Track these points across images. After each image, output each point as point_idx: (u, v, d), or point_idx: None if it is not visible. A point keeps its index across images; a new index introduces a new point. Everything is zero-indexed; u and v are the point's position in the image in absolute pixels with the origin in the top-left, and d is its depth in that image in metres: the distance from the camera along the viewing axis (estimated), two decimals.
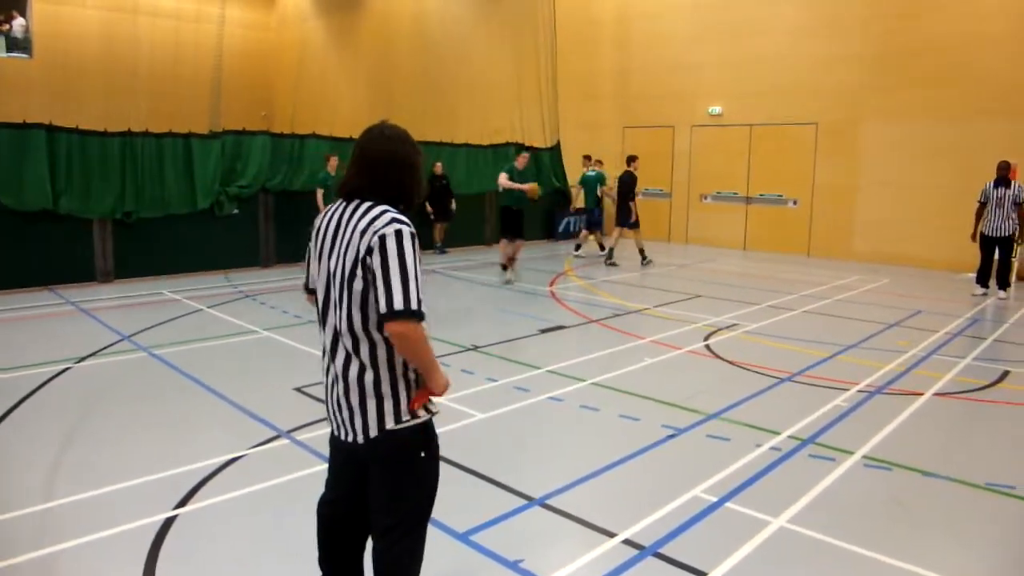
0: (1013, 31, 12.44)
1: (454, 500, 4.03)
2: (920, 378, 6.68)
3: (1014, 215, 10.49)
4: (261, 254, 12.68)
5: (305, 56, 16.50)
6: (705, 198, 17.00)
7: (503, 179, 11.17)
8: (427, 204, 14.41)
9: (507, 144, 16.96)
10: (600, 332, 8.46)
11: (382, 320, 2.33)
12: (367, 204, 2.45)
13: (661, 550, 3.63)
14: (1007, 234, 10.57)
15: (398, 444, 2.47)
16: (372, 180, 2.48)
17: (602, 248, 14.75)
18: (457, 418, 5.39)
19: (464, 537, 3.72)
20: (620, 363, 7.04)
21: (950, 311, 9.76)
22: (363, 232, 2.37)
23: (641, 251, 13.62)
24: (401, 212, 2.46)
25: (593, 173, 14.87)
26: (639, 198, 13.95)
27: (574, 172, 17.15)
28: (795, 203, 15.52)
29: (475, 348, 7.53)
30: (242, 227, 12.41)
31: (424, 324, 2.37)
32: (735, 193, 16.45)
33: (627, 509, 4.05)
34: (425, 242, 14.19)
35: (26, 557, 3.49)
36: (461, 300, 10.25)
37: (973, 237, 10.91)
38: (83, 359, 6.90)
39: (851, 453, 4.90)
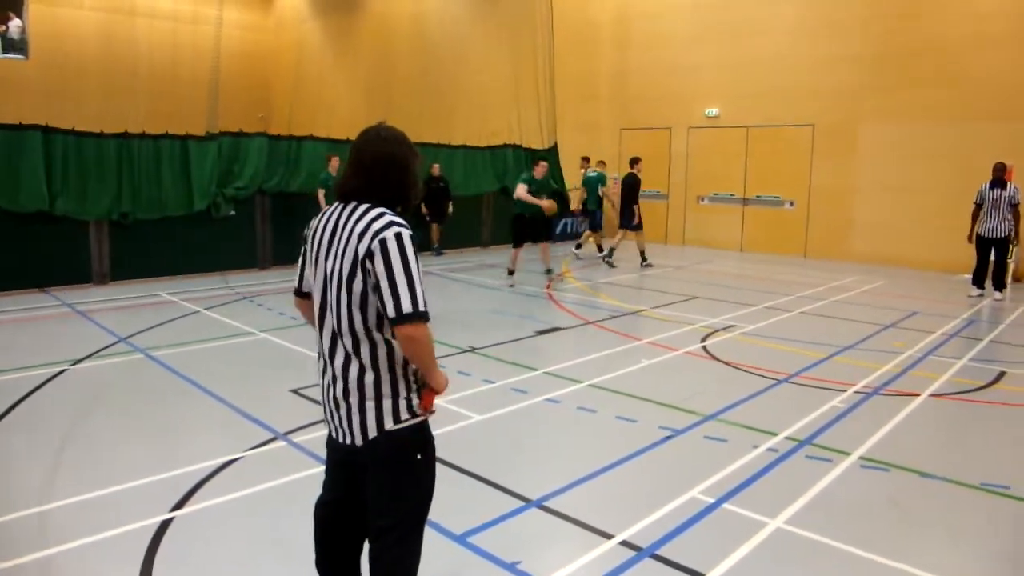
0: (1012, 33, 12.47)
1: (451, 502, 4.03)
2: (916, 379, 6.69)
3: (1010, 216, 10.52)
4: (258, 256, 12.67)
5: (303, 58, 16.50)
6: (702, 200, 17.02)
7: (522, 191, 10.92)
8: (423, 205, 14.41)
9: (504, 146, 16.97)
10: (597, 334, 8.46)
11: (392, 324, 2.34)
12: (364, 206, 2.45)
13: (659, 551, 3.63)
14: (1003, 235, 10.60)
15: (397, 445, 2.46)
16: (368, 182, 2.48)
17: (600, 249, 14.76)
18: (454, 420, 5.39)
19: (461, 539, 3.72)
20: (617, 364, 7.04)
21: (946, 312, 9.78)
22: (361, 235, 2.37)
23: (642, 253, 13.64)
24: (398, 214, 2.46)
25: (595, 174, 14.88)
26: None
27: (571, 174, 17.18)
28: (792, 204, 15.54)
29: (472, 350, 7.53)
30: (239, 229, 12.40)
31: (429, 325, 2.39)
32: (732, 195, 16.47)
33: (624, 510, 4.05)
34: (422, 243, 14.19)
35: (23, 559, 3.48)
36: (458, 302, 10.24)
37: (969, 238, 10.94)
38: (79, 361, 6.89)
39: (848, 454, 4.90)
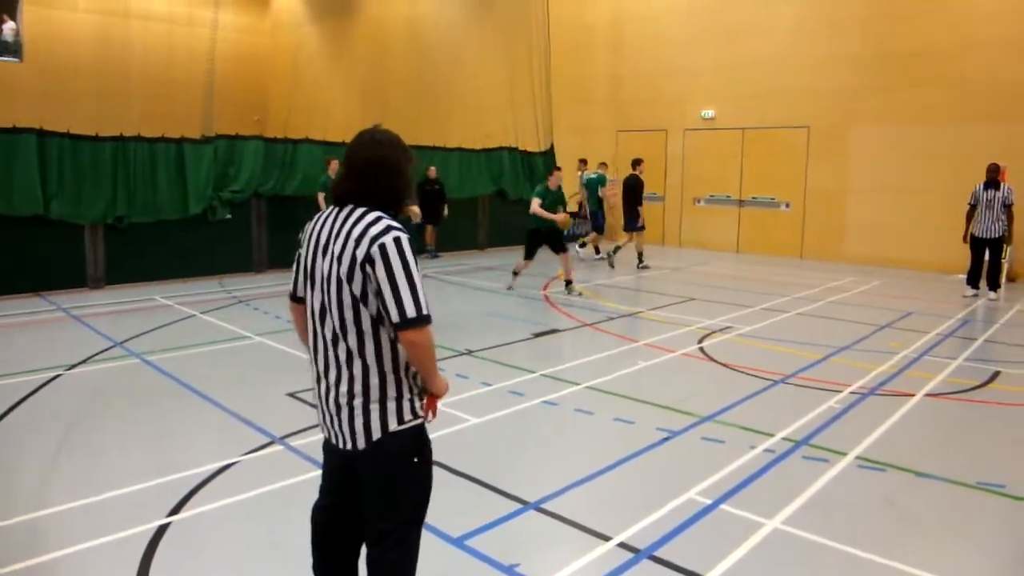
0: (1007, 35, 12.52)
1: (449, 505, 4.03)
2: (912, 379, 6.70)
3: (1004, 217, 10.55)
4: (254, 259, 12.65)
5: (299, 61, 16.50)
6: (698, 201, 17.04)
7: (535, 206, 10.62)
8: (418, 208, 14.39)
9: (500, 148, 16.98)
10: (594, 336, 8.46)
11: (396, 329, 2.36)
12: (360, 210, 2.45)
13: (656, 553, 3.63)
14: (997, 236, 10.63)
15: (398, 447, 2.47)
16: (362, 185, 2.48)
17: (597, 251, 14.77)
18: (451, 422, 5.38)
19: (459, 542, 3.71)
20: (614, 366, 7.05)
21: (941, 312, 9.81)
22: (359, 239, 2.37)
23: (639, 255, 13.67)
24: (392, 217, 2.46)
25: (595, 175, 14.90)
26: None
27: (568, 176, 17.18)
28: (787, 206, 15.57)
29: (469, 352, 7.53)
30: (235, 232, 12.38)
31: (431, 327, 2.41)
32: (728, 196, 16.50)
33: (622, 512, 4.05)
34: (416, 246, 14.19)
35: (17, 566, 3.46)
36: (454, 304, 10.24)
37: (964, 239, 10.97)
38: (74, 366, 6.87)
39: (844, 454, 4.91)
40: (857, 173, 14.47)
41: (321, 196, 12.21)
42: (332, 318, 2.44)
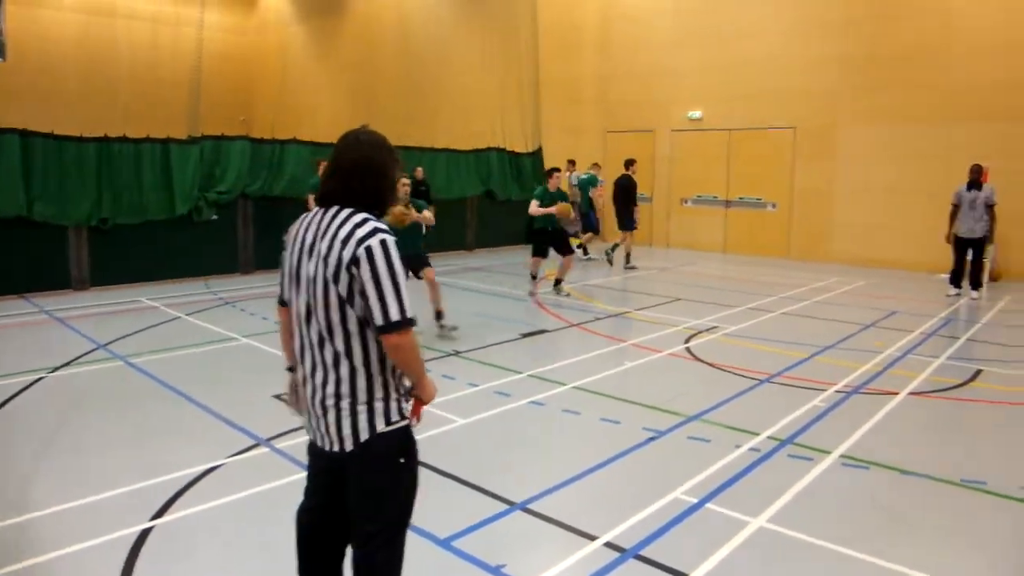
0: (990, 37, 12.64)
1: (435, 506, 4.03)
2: (896, 378, 6.76)
3: (986, 217, 10.65)
4: (240, 260, 12.60)
5: (286, 60, 16.43)
6: (686, 202, 17.11)
7: (534, 207, 10.40)
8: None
9: (488, 149, 16.98)
10: (581, 336, 8.48)
11: (378, 332, 2.37)
12: (346, 211, 2.45)
13: (642, 552, 3.65)
14: (979, 236, 10.73)
15: (383, 448, 2.46)
16: (347, 186, 2.48)
17: (585, 252, 14.79)
18: (438, 423, 5.38)
19: (446, 543, 3.72)
20: (601, 367, 7.07)
21: (925, 311, 9.89)
22: (345, 241, 2.37)
23: (627, 255, 13.72)
24: (378, 218, 2.46)
25: (586, 176, 14.93)
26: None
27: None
28: (774, 206, 15.66)
29: (456, 353, 7.53)
30: (221, 233, 12.32)
31: (414, 330, 2.42)
32: (715, 197, 16.57)
33: (608, 512, 4.07)
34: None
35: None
36: (442, 305, 10.22)
37: (947, 239, 11.07)
38: (57, 368, 6.82)
39: (829, 453, 4.95)
40: (842, 174, 14.57)
41: (311, 198, 12.12)
42: (318, 319, 2.44)
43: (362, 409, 2.43)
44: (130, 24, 15.33)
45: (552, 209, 10.22)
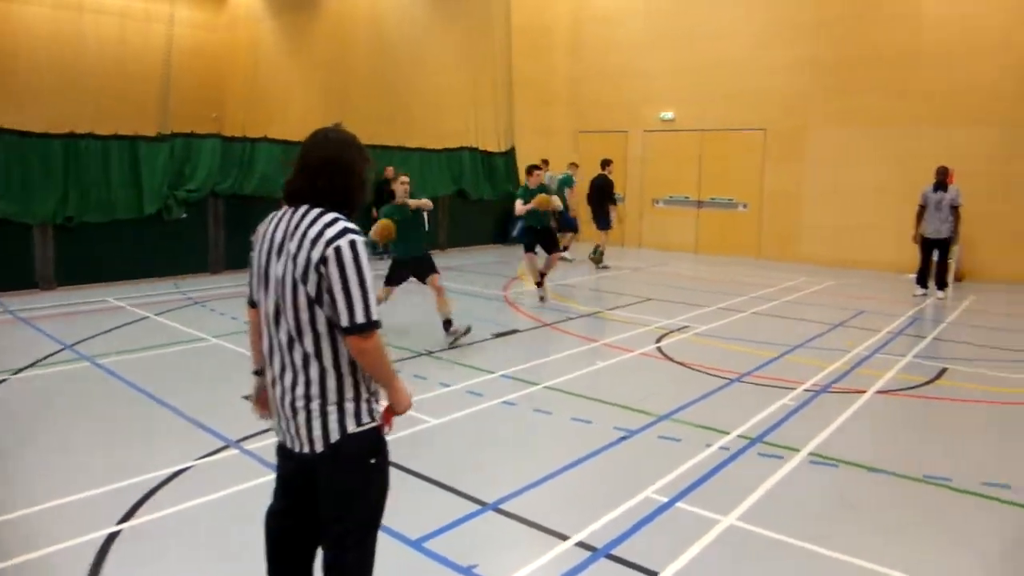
0: (952, 45, 12.87)
1: (407, 506, 4.02)
2: (863, 376, 6.86)
3: (952, 218, 10.86)
4: (211, 259, 12.45)
5: (257, 57, 16.24)
6: (658, 202, 17.21)
7: (519, 207, 10.28)
8: (374, 209, 14.30)
9: (461, 148, 16.96)
10: (553, 336, 8.50)
11: (343, 334, 2.36)
12: (316, 211, 2.43)
13: (614, 551, 3.67)
14: (945, 236, 10.93)
15: (354, 449, 2.45)
16: (314, 185, 2.46)
17: (564, 249, 14.80)
18: (410, 423, 5.36)
19: (417, 544, 3.71)
20: (573, 366, 7.09)
21: (892, 311, 10.05)
22: (314, 241, 2.35)
23: (601, 253, 13.80)
24: (348, 218, 2.45)
25: (562, 176, 14.95)
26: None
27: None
28: (745, 207, 15.81)
29: (428, 353, 7.51)
30: (191, 232, 12.16)
31: (381, 332, 2.40)
32: (687, 197, 16.69)
33: (580, 511, 4.08)
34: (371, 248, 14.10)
35: None
36: (414, 304, 10.19)
37: (914, 239, 11.26)
38: (21, 370, 6.69)
39: (798, 451, 5.01)
40: (812, 175, 14.75)
41: None
42: (287, 320, 2.41)
43: (332, 410, 2.42)
44: (98, 19, 15.04)
45: (532, 203, 10.11)
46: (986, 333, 8.87)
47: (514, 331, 8.61)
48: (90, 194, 11.02)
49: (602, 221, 13.75)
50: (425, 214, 8.26)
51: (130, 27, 15.23)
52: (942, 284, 11.24)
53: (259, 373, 2.69)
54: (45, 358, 7.08)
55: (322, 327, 2.38)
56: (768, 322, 9.32)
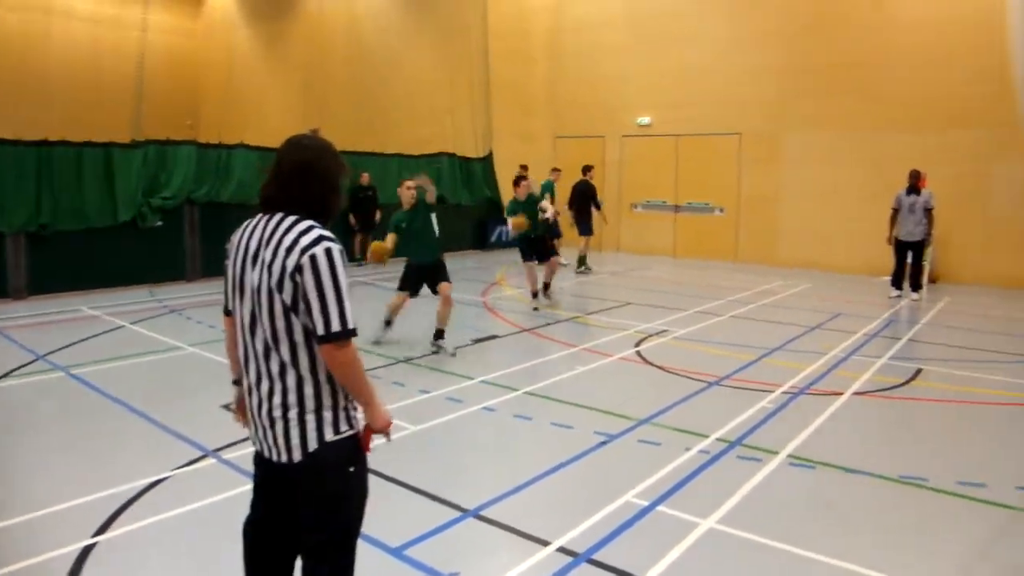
0: (923, 50, 13.06)
1: (387, 514, 4.00)
2: (840, 378, 6.93)
3: (925, 221, 11.01)
4: (187, 268, 12.33)
5: (234, 63, 16.13)
6: (636, 207, 17.30)
7: (511, 225, 10.06)
8: (351, 215, 14.28)
9: (439, 154, 16.94)
10: (533, 341, 8.51)
11: (318, 342, 2.33)
12: (291, 219, 2.41)
13: (595, 556, 3.67)
14: (919, 239, 11.09)
15: (333, 458, 2.43)
16: (288, 192, 2.44)
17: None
18: (392, 419, 5.32)
19: (398, 552, 3.68)
20: (553, 371, 7.10)
21: (867, 313, 10.17)
22: (289, 249, 2.33)
23: (581, 258, 13.88)
24: (323, 226, 2.43)
25: (545, 182, 14.94)
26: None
27: (508, 183, 17.23)
28: (722, 211, 15.94)
29: (407, 360, 7.48)
30: (166, 240, 12.03)
31: (353, 341, 2.37)
32: (664, 202, 16.79)
33: (561, 517, 4.08)
34: (348, 254, 14.04)
35: None
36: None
37: (889, 241, 11.40)
38: None
39: (776, 453, 5.05)
40: (787, 179, 14.90)
41: None
42: (263, 329, 2.39)
43: (310, 418, 2.40)
44: (69, 24, 14.86)
45: (511, 228, 9.93)
46: (960, 334, 9.00)
47: (493, 337, 8.61)
48: (63, 202, 10.88)
49: (583, 226, 13.80)
50: (434, 217, 8.07)
51: (103, 33, 15.06)
52: (916, 286, 11.39)
53: (238, 382, 2.66)
54: (17, 369, 6.96)
55: (298, 336, 2.37)
56: (746, 325, 9.39)
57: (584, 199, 13.84)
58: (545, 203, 10.79)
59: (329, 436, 2.41)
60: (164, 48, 14.31)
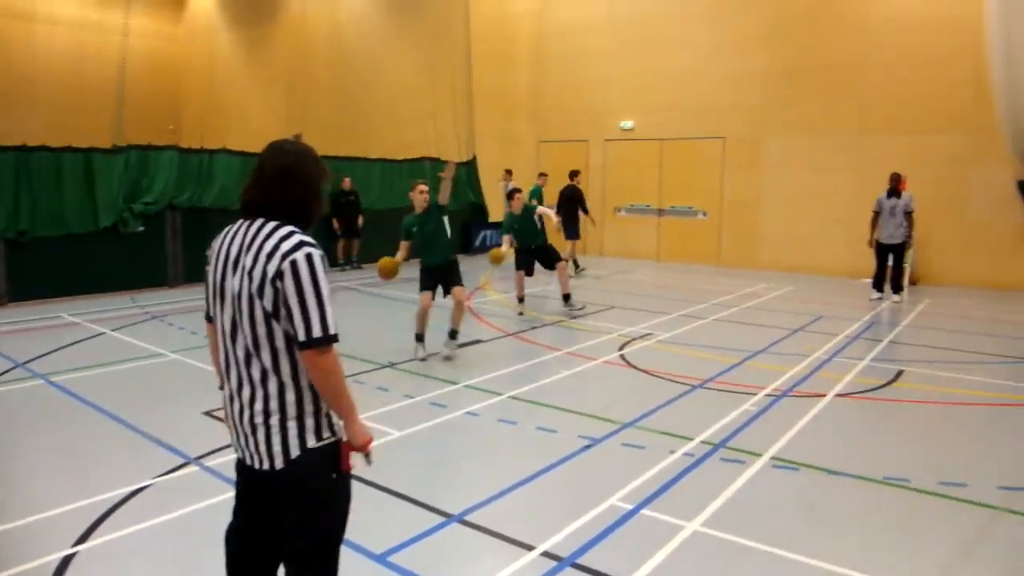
0: (903, 54, 13.20)
1: (371, 520, 3.98)
2: (823, 380, 6.98)
3: (905, 223, 11.12)
4: (168, 273, 12.23)
5: (216, 68, 16.05)
6: (619, 211, 17.36)
7: (507, 244, 9.90)
8: (334, 220, 14.24)
9: (421, 159, 16.91)
10: (517, 345, 8.51)
11: (300, 348, 2.32)
12: (271, 224, 2.40)
13: (579, 560, 3.67)
14: (899, 241, 11.19)
15: (316, 464, 2.42)
16: (269, 197, 2.43)
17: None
18: (373, 436, 5.30)
19: (382, 558, 3.67)
20: (537, 376, 7.10)
21: (849, 315, 10.25)
22: (270, 255, 2.32)
23: (573, 262, 13.98)
24: (304, 231, 2.42)
25: (533, 187, 14.97)
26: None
27: (492, 188, 17.26)
28: (705, 215, 16.02)
29: (391, 365, 7.46)
30: (148, 245, 11.94)
31: (335, 347, 2.35)
32: (648, 206, 16.86)
33: (545, 521, 4.08)
34: (330, 260, 13.98)
35: None
36: (376, 316, 10.14)
37: (870, 244, 11.50)
38: None
39: (760, 455, 5.07)
40: (770, 183, 15.01)
41: None
42: (244, 335, 2.38)
43: (292, 425, 2.38)
44: (50, 29, 14.74)
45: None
46: (941, 335, 9.09)
47: (477, 341, 8.60)
48: (43, 207, 10.76)
49: (570, 230, 13.84)
50: (446, 219, 7.95)
51: (84, 37, 14.94)
52: (897, 288, 11.50)
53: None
54: None
55: (280, 342, 2.35)
56: (729, 328, 9.43)
57: (572, 204, 13.95)
58: (545, 209, 10.80)
59: (311, 443, 2.39)
60: (146, 53, 14.21)
